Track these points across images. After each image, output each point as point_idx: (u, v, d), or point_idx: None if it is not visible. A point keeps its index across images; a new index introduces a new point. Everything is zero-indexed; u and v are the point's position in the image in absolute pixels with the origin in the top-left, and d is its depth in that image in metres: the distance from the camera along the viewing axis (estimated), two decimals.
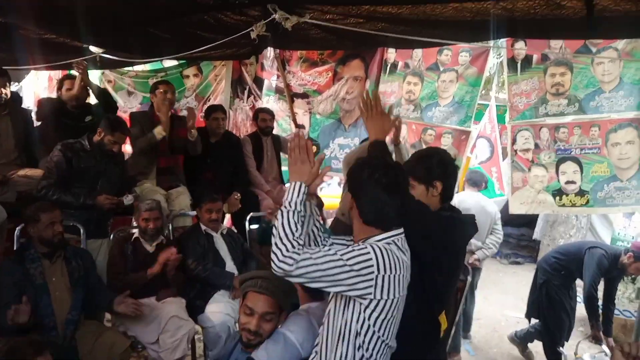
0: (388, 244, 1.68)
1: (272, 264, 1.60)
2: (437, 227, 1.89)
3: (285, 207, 1.64)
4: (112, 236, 3.46)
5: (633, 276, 4.96)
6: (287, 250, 1.57)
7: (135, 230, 3.33)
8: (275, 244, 1.59)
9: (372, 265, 1.60)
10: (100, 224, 3.41)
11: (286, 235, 1.59)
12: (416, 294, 1.77)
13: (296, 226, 1.61)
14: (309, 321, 2.00)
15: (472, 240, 4.18)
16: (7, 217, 3.16)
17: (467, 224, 2.11)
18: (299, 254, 1.57)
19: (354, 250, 1.63)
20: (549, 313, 4.11)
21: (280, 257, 1.57)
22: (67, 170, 3.20)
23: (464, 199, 4.48)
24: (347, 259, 1.59)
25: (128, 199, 3.33)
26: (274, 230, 1.62)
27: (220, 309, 3.13)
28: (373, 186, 1.69)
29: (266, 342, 1.94)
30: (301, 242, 1.60)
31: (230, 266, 3.40)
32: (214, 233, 3.47)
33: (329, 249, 1.64)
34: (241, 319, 1.99)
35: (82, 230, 3.24)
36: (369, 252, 1.62)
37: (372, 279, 1.59)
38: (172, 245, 3.23)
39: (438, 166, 2.03)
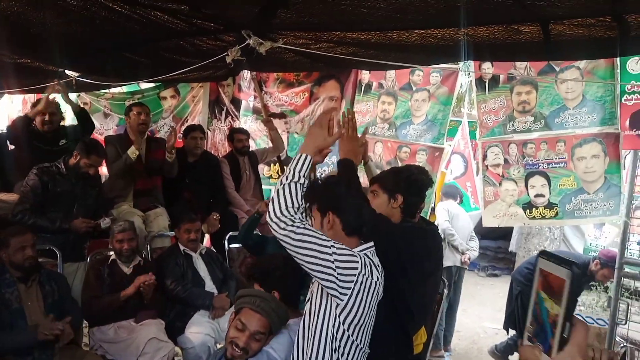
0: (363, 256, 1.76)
1: (272, 229, 1.66)
2: (398, 236, 1.99)
3: (290, 177, 1.70)
4: (88, 259, 3.43)
5: (604, 285, 5.12)
6: (291, 216, 1.64)
7: (112, 253, 3.31)
8: (277, 211, 1.65)
9: (357, 262, 1.69)
10: (76, 248, 3.39)
11: (293, 204, 1.66)
12: (386, 303, 1.84)
13: (300, 197, 1.69)
14: (290, 338, 2.04)
15: (462, 241, 4.77)
16: None
17: (432, 234, 2.20)
18: (302, 223, 1.65)
19: (341, 246, 1.71)
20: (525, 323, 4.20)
21: (281, 226, 1.64)
22: (42, 195, 3.19)
23: (451, 206, 4.99)
24: (337, 248, 1.68)
25: (105, 222, 3.33)
26: (273, 197, 1.69)
27: (200, 330, 3.13)
28: (352, 197, 1.81)
29: None
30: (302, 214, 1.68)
31: (210, 286, 3.41)
32: (193, 253, 3.48)
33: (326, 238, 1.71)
34: (231, 332, 1.99)
35: (58, 254, 3.22)
36: (354, 253, 1.72)
37: (354, 275, 1.67)
38: (151, 266, 3.23)
39: (405, 181, 2.18)
